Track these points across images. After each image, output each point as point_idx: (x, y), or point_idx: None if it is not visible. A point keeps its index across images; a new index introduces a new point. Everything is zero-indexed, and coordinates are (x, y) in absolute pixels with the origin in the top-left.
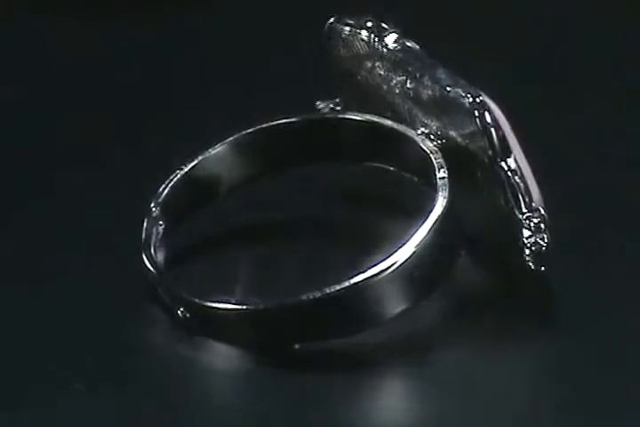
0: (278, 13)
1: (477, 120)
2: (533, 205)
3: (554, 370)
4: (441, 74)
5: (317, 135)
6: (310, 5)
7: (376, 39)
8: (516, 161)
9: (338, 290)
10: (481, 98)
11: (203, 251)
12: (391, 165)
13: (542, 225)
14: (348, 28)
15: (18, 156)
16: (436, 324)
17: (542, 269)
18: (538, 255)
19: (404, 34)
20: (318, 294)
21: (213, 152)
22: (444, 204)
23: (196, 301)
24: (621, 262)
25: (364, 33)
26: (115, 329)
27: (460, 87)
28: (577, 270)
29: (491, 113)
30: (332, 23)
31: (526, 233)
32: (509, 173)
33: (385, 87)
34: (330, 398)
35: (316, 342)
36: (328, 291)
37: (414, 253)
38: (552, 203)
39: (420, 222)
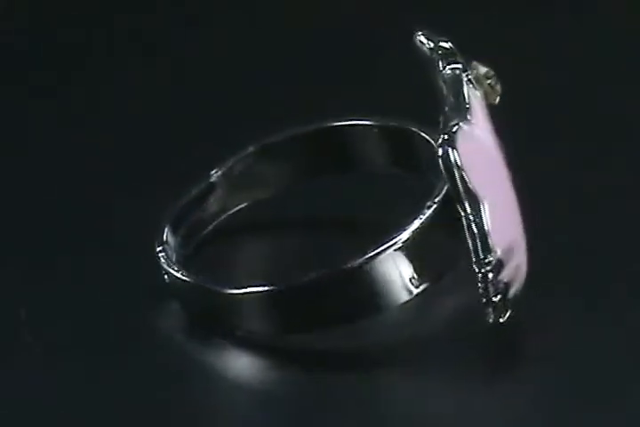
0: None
1: (440, 159)
2: (487, 254)
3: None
4: (456, 104)
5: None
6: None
7: (440, 61)
8: (477, 205)
9: (346, 268)
10: (451, 133)
11: (214, 242)
12: (412, 175)
13: (490, 275)
14: (427, 45)
15: (20, 155)
16: (436, 326)
17: (500, 320)
18: (491, 305)
19: (468, 58)
20: (326, 273)
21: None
22: (417, 227)
23: (218, 289)
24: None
25: (434, 53)
26: (122, 327)
27: (451, 120)
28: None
29: (456, 151)
30: (418, 37)
31: (479, 283)
32: (470, 217)
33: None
34: (332, 398)
35: (325, 331)
36: (336, 270)
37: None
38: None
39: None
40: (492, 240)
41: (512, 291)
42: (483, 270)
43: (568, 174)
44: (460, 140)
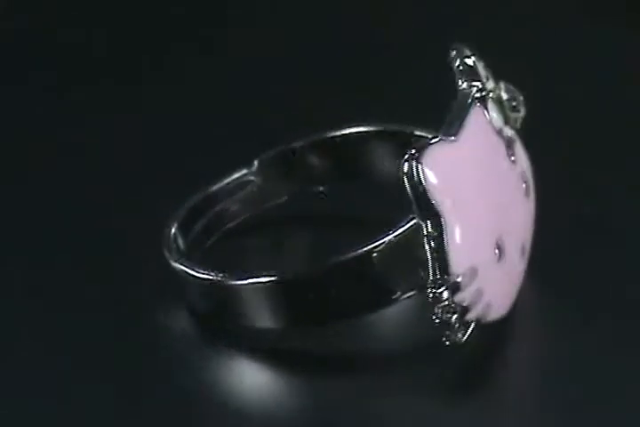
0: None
1: (403, 174)
2: (442, 275)
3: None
4: (448, 121)
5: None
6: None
7: (459, 78)
8: (439, 224)
9: (348, 257)
10: (420, 148)
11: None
12: None
13: (445, 296)
14: (456, 62)
15: (20, 155)
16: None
17: (455, 343)
18: (445, 327)
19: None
20: (330, 262)
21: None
22: (390, 239)
23: (221, 280)
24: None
25: (457, 68)
26: (123, 327)
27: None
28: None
29: (421, 167)
30: (454, 51)
31: (429, 302)
32: (430, 236)
33: None
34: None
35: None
36: (338, 259)
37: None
38: None
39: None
40: (452, 262)
41: (471, 315)
42: (434, 291)
43: (568, 175)
44: (434, 157)
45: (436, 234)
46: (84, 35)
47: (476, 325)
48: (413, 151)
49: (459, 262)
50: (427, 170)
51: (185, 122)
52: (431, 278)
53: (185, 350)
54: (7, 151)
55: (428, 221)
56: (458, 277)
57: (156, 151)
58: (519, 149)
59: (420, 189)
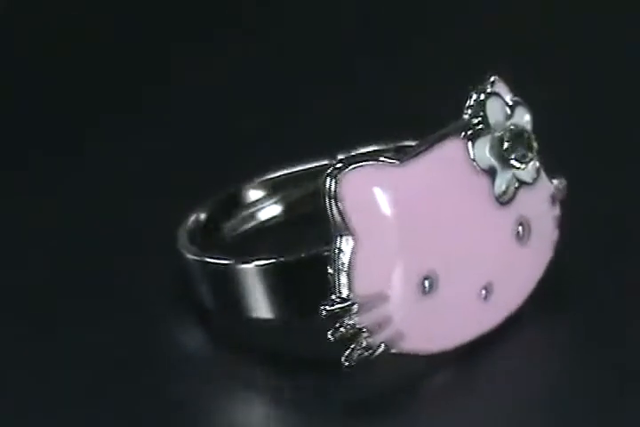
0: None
1: (322, 188)
2: (346, 295)
3: None
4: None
5: None
6: None
7: (466, 106)
8: (348, 243)
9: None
10: (345, 164)
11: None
12: None
13: (343, 314)
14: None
15: (23, 155)
16: None
17: (350, 364)
18: (341, 346)
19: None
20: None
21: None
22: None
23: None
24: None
25: (469, 98)
26: (127, 329)
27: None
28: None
29: (338, 183)
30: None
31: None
32: (336, 252)
33: None
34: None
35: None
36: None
37: None
38: None
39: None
40: (356, 282)
41: (374, 340)
42: (327, 309)
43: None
44: (361, 176)
45: (344, 251)
46: (84, 35)
47: (385, 352)
48: (338, 166)
49: (364, 284)
50: (345, 187)
51: (191, 130)
52: (331, 296)
53: (188, 350)
54: (9, 152)
55: (340, 237)
56: (359, 298)
57: (161, 155)
58: (532, 193)
59: (333, 204)
